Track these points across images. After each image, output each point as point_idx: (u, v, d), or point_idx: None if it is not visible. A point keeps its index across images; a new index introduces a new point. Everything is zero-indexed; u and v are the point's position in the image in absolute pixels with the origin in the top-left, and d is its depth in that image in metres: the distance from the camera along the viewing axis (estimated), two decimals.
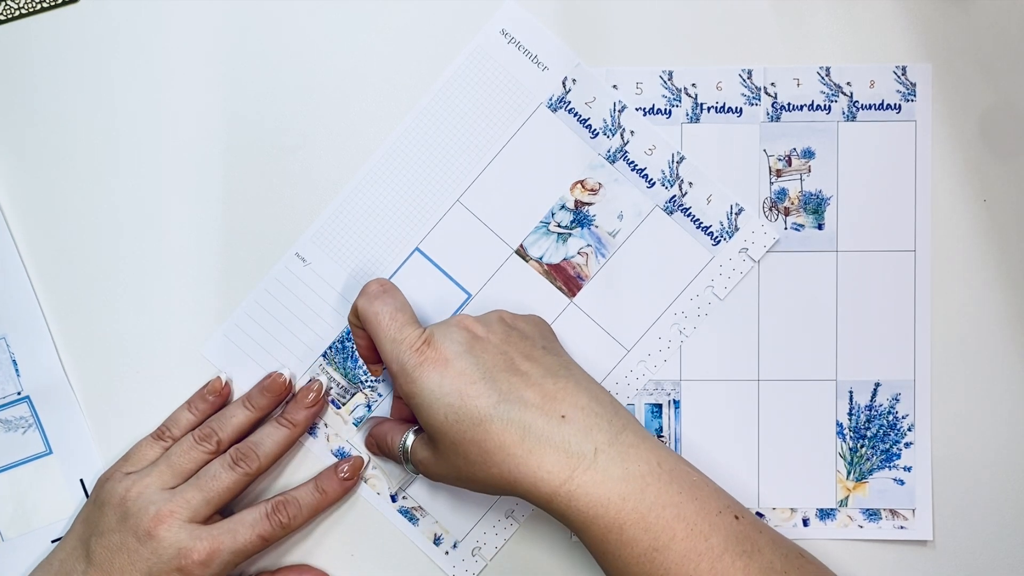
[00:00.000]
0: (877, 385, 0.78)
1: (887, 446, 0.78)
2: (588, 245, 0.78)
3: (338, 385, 0.79)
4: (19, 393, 0.79)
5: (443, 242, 0.79)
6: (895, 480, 0.78)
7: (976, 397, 0.78)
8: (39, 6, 0.78)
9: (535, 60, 0.78)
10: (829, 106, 0.78)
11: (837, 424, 0.78)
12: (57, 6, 0.78)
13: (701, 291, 0.78)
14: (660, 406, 0.79)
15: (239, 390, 0.79)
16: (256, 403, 0.78)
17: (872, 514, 0.78)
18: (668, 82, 0.78)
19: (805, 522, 0.79)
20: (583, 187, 0.78)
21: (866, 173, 0.78)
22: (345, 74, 0.79)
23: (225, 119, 0.79)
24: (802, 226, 0.78)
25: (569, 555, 0.79)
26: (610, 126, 0.78)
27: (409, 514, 0.79)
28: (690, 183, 0.78)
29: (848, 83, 0.78)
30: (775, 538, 0.70)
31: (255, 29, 0.78)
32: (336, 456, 0.79)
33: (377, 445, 0.78)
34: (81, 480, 0.79)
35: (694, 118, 0.78)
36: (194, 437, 0.76)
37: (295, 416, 0.77)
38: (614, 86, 0.78)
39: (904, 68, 0.78)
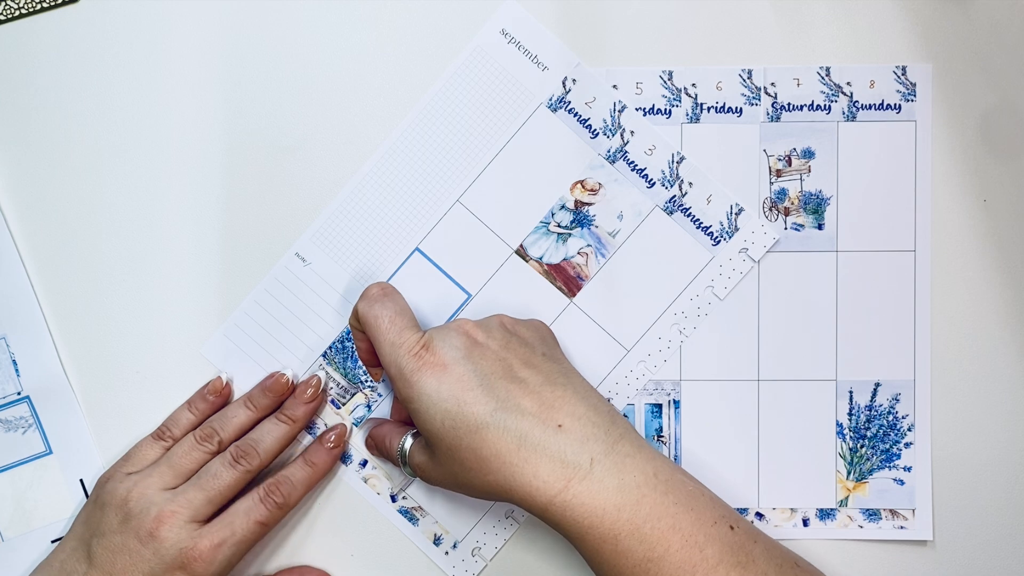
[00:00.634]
0: (877, 385, 0.78)
1: (887, 446, 0.78)
2: (588, 245, 0.78)
3: (338, 385, 0.79)
4: (19, 393, 0.79)
5: (443, 242, 0.79)
6: (895, 480, 0.78)
7: (976, 397, 0.78)
8: (39, 6, 0.78)
9: (535, 60, 0.78)
10: (829, 106, 0.78)
11: (837, 424, 0.78)
12: (57, 6, 0.78)
13: (701, 291, 0.78)
14: (660, 406, 0.79)
15: (239, 390, 0.79)
16: (257, 403, 0.78)
17: (872, 514, 0.78)
18: (668, 82, 0.78)
19: (805, 522, 0.79)
20: (583, 187, 0.78)
21: (866, 173, 0.78)
22: (345, 74, 0.79)
23: (225, 119, 0.79)
24: (802, 226, 0.78)
25: (569, 556, 0.79)
26: (610, 126, 0.78)
27: (409, 514, 0.79)
28: (690, 183, 0.78)
29: (848, 83, 0.78)
30: (770, 547, 0.70)
31: (255, 29, 0.78)
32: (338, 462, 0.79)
33: (376, 447, 0.78)
34: (81, 480, 0.79)
35: (694, 118, 0.78)
36: (195, 437, 0.76)
37: (294, 412, 0.77)
38: (614, 86, 0.78)
39: (904, 68, 0.78)
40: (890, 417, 0.78)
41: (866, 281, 0.78)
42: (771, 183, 0.78)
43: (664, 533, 0.67)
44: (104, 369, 0.79)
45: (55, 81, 0.78)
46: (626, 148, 0.78)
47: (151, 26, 0.78)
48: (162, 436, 0.78)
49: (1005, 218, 0.78)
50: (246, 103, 0.79)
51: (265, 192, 0.79)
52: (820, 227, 0.78)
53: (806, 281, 0.78)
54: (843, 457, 0.78)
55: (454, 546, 0.79)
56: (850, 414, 0.78)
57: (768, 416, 0.79)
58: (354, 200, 0.79)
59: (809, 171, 0.78)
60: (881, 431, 0.78)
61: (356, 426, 0.79)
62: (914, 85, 0.78)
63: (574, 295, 0.79)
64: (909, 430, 0.78)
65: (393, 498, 0.79)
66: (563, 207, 0.78)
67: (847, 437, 0.78)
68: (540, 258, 0.79)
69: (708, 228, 0.78)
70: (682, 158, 0.78)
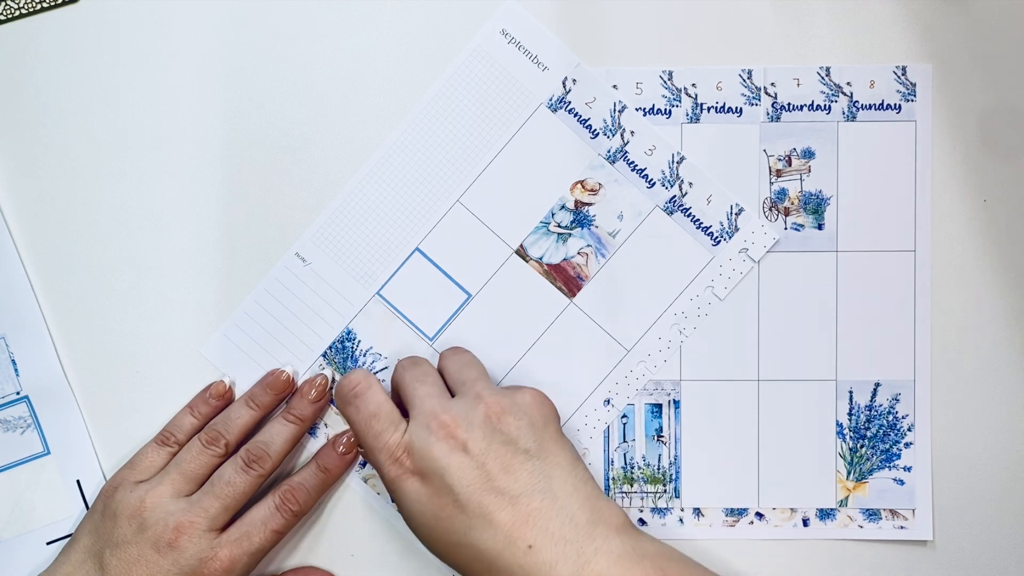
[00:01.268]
0: (877, 385, 0.78)
1: (887, 446, 0.78)
2: (588, 245, 0.78)
3: None
4: (18, 393, 0.78)
5: (443, 242, 0.79)
6: (895, 480, 0.78)
7: (976, 397, 0.78)
8: (39, 6, 0.78)
9: (535, 60, 0.78)
10: (829, 106, 0.78)
11: (837, 424, 0.78)
12: (57, 6, 0.78)
13: (701, 291, 0.78)
14: (660, 406, 0.79)
15: (240, 391, 0.79)
16: (259, 401, 0.78)
17: (872, 514, 0.78)
18: (668, 82, 0.78)
19: (805, 522, 0.79)
20: (583, 187, 0.78)
21: (866, 173, 0.78)
22: (345, 74, 0.78)
23: (225, 119, 0.78)
24: (802, 226, 0.78)
25: None
26: (610, 126, 0.78)
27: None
28: (690, 183, 0.78)
29: (848, 83, 0.78)
30: None
31: (255, 29, 0.78)
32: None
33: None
34: (78, 481, 0.79)
35: (694, 118, 0.78)
36: (201, 441, 0.76)
37: (302, 411, 0.77)
38: (614, 86, 0.78)
39: (904, 68, 0.78)
40: (890, 417, 0.78)
41: (866, 281, 0.78)
42: (771, 183, 0.78)
43: None
44: (104, 369, 0.79)
45: (55, 81, 0.78)
46: (626, 148, 0.78)
47: (151, 26, 0.78)
48: (166, 441, 0.77)
49: (1005, 218, 0.78)
50: (246, 103, 0.79)
51: (265, 192, 0.79)
52: (820, 227, 0.78)
53: (806, 281, 0.78)
54: (843, 457, 0.78)
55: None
56: (850, 414, 0.78)
57: (768, 416, 0.79)
58: (354, 200, 0.79)
59: (809, 171, 0.78)
60: (881, 431, 0.78)
61: None
62: (914, 85, 0.78)
63: (574, 295, 0.79)
64: (909, 430, 0.78)
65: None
66: (563, 207, 0.78)
67: (847, 437, 0.78)
68: (540, 258, 0.78)
69: (708, 228, 0.78)
70: (682, 158, 0.78)
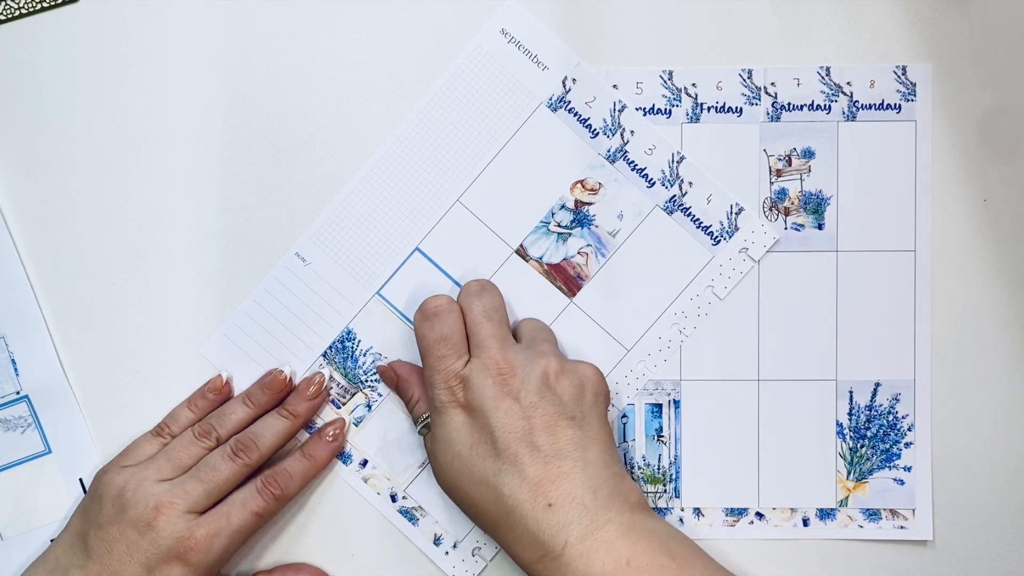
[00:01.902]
0: (877, 385, 0.78)
1: (887, 446, 0.78)
2: (588, 245, 0.78)
3: (338, 385, 0.79)
4: (18, 392, 0.79)
5: (443, 242, 0.79)
6: (895, 480, 0.78)
7: (976, 397, 0.78)
8: (39, 6, 0.78)
9: (535, 60, 0.78)
10: (829, 106, 0.78)
11: (837, 424, 0.78)
12: (57, 6, 0.78)
13: (701, 291, 0.78)
14: (660, 406, 0.79)
15: (239, 390, 0.79)
16: (256, 400, 0.78)
17: (872, 514, 0.78)
18: (668, 82, 0.78)
19: (805, 522, 0.79)
20: (583, 187, 0.78)
21: (866, 173, 0.78)
22: (345, 74, 0.79)
23: (225, 119, 0.78)
24: (802, 226, 0.78)
25: None
26: (610, 126, 0.78)
27: (409, 514, 0.79)
28: (690, 183, 0.78)
29: (848, 83, 0.78)
30: None
31: (255, 29, 0.78)
32: (336, 456, 0.79)
33: (397, 385, 0.78)
34: (80, 480, 0.79)
35: (694, 118, 0.78)
36: (194, 433, 0.76)
37: (297, 407, 0.78)
38: (614, 86, 0.78)
39: (904, 68, 0.78)
40: (890, 417, 0.78)
41: (866, 281, 0.78)
42: (771, 183, 0.78)
43: None
44: (104, 369, 0.79)
45: (55, 81, 0.78)
46: (626, 148, 0.78)
47: (151, 26, 0.78)
48: (160, 433, 0.78)
49: (1005, 218, 0.78)
50: (246, 103, 0.79)
51: (265, 192, 0.79)
52: (820, 227, 0.78)
53: (806, 281, 0.78)
54: (843, 457, 0.78)
55: (454, 546, 0.79)
56: (850, 414, 0.78)
57: (768, 416, 0.79)
58: (354, 200, 0.79)
59: (809, 171, 0.78)
60: (881, 431, 0.78)
61: (356, 425, 0.79)
62: (914, 85, 0.78)
63: (574, 295, 0.79)
64: (909, 430, 0.78)
65: (393, 498, 0.79)
66: (563, 207, 0.78)
67: (847, 437, 0.78)
68: (540, 258, 0.78)
69: (708, 228, 0.78)
70: (682, 158, 0.78)
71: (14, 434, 0.79)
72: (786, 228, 0.78)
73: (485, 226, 0.78)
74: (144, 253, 0.79)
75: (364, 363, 0.79)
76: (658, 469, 0.79)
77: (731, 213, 0.78)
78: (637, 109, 0.78)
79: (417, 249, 0.79)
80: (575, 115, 0.78)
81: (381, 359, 0.79)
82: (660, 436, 0.79)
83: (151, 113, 0.78)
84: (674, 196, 0.78)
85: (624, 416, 0.79)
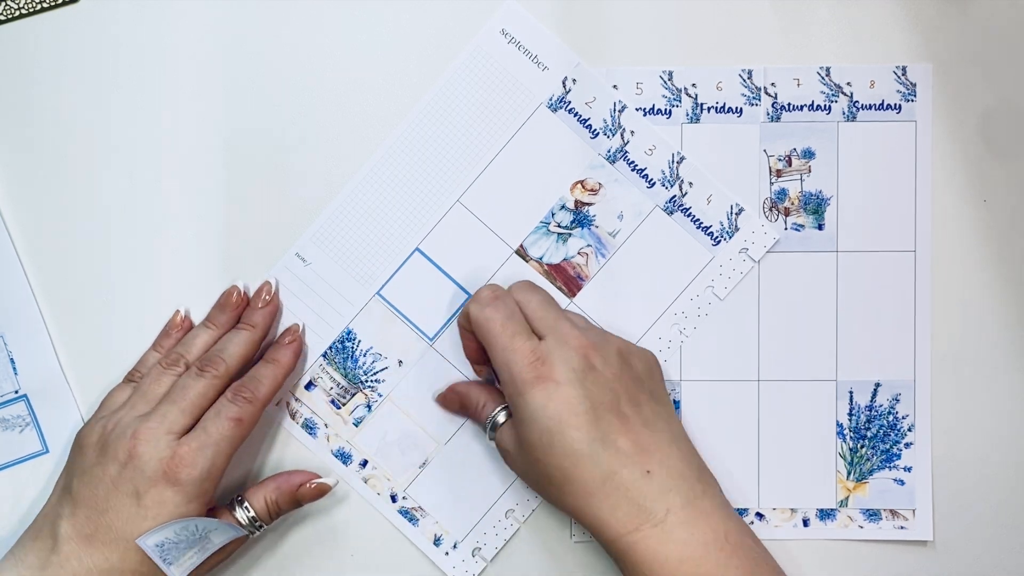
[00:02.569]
0: (877, 385, 0.78)
1: (887, 446, 0.78)
2: (588, 245, 0.78)
3: (338, 385, 0.79)
4: (16, 392, 0.78)
5: (443, 242, 0.79)
6: (895, 480, 0.78)
7: (976, 397, 0.78)
8: (39, 6, 0.78)
9: (535, 60, 0.78)
10: (829, 106, 0.78)
11: (837, 424, 0.78)
12: (57, 6, 0.78)
13: (701, 291, 0.78)
14: None
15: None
16: (216, 321, 0.78)
17: (872, 514, 0.78)
18: (668, 82, 0.78)
19: (805, 522, 0.79)
20: (583, 187, 0.78)
21: (866, 173, 0.78)
22: (345, 74, 0.78)
23: (225, 119, 0.78)
24: (802, 226, 0.78)
25: (569, 556, 0.79)
26: (610, 126, 0.78)
27: (409, 514, 0.79)
28: (690, 183, 0.78)
29: (848, 83, 0.78)
30: None
31: (255, 29, 0.78)
32: (336, 456, 0.79)
33: (461, 403, 0.78)
34: None
35: (694, 118, 0.78)
36: (161, 364, 0.76)
37: (252, 318, 0.78)
38: (614, 86, 0.78)
39: (904, 68, 0.78)
40: (890, 417, 0.78)
41: (866, 281, 0.78)
42: (771, 183, 0.78)
43: None
44: (102, 369, 0.79)
45: (55, 81, 0.78)
46: (626, 148, 0.78)
47: (151, 26, 0.78)
48: (132, 378, 0.78)
49: (1005, 218, 0.78)
50: (246, 103, 0.78)
51: (265, 192, 0.79)
52: (820, 227, 0.78)
53: (806, 281, 0.78)
54: (843, 457, 0.78)
55: (454, 546, 0.79)
56: (850, 414, 0.78)
57: (768, 416, 0.79)
58: (354, 200, 0.79)
59: (809, 171, 0.78)
60: (881, 431, 0.78)
61: (356, 426, 0.79)
62: (914, 85, 0.78)
63: (574, 295, 0.78)
64: (909, 430, 0.78)
65: (393, 498, 0.79)
66: (563, 207, 0.78)
67: (847, 437, 0.78)
68: (540, 258, 0.78)
69: (708, 228, 0.78)
70: (682, 158, 0.78)
71: (12, 433, 0.78)
72: (786, 228, 0.78)
73: (485, 226, 0.78)
74: (143, 253, 0.79)
75: (364, 363, 0.79)
76: None
77: (731, 213, 0.78)
78: (637, 109, 0.78)
79: (417, 249, 0.79)
80: (575, 115, 0.78)
81: (381, 359, 0.79)
82: None
83: (151, 113, 0.78)
84: (674, 196, 0.78)
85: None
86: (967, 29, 0.78)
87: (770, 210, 0.78)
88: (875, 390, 0.78)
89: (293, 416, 0.80)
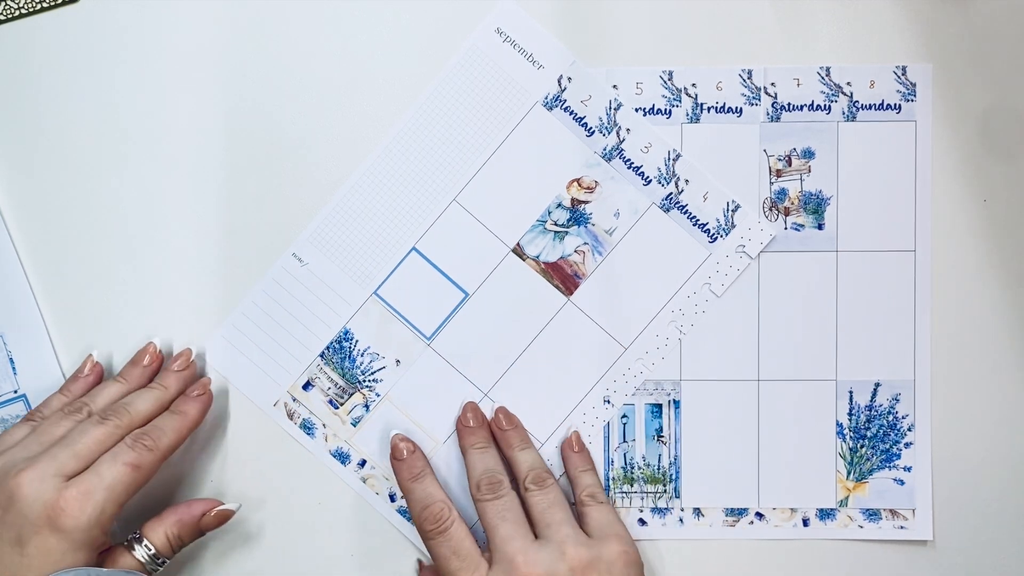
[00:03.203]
0: (877, 385, 0.78)
1: (887, 446, 0.78)
2: (585, 243, 0.78)
3: (336, 385, 0.79)
4: (15, 392, 0.79)
5: (440, 241, 0.79)
6: (895, 480, 0.78)
7: (976, 397, 0.78)
8: (39, 6, 0.78)
9: (530, 59, 0.78)
10: (829, 106, 0.78)
11: (837, 424, 0.78)
12: (57, 6, 0.78)
13: (698, 288, 0.78)
14: (660, 406, 0.79)
15: (235, 391, 0.79)
16: (127, 375, 0.76)
17: (872, 514, 0.78)
18: (668, 82, 0.78)
19: (805, 522, 0.78)
20: (579, 185, 0.78)
21: (866, 173, 0.78)
22: (343, 74, 0.79)
23: (223, 119, 0.79)
24: (802, 226, 0.78)
25: None
26: (606, 124, 0.78)
27: (408, 514, 0.79)
28: (686, 180, 0.78)
29: (848, 83, 0.78)
30: None
31: (254, 29, 0.79)
32: (334, 456, 0.79)
33: None
34: None
35: (694, 118, 0.78)
36: (63, 409, 0.73)
37: (166, 379, 0.76)
38: (614, 86, 0.78)
39: (904, 68, 0.78)
40: (890, 417, 0.78)
41: (866, 281, 0.78)
42: (771, 183, 0.78)
43: None
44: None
45: (55, 81, 0.79)
46: (622, 146, 0.78)
47: (151, 26, 0.78)
48: (31, 417, 0.74)
49: (1005, 218, 0.78)
50: (244, 103, 0.79)
51: (263, 193, 0.79)
52: (820, 227, 0.78)
53: (806, 281, 0.78)
54: (843, 457, 0.78)
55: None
56: (850, 414, 0.78)
57: (768, 416, 0.78)
58: (351, 201, 0.79)
59: (809, 171, 0.78)
60: (881, 431, 0.78)
61: (354, 426, 0.79)
62: (914, 85, 0.78)
63: (571, 293, 0.78)
64: (909, 430, 0.78)
65: (392, 498, 0.79)
66: (559, 205, 0.78)
67: (847, 437, 0.78)
68: (537, 256, 0.78)
69: (705, 225, 0.78)
70: (678, 155, 0.78)
71: None
72: (786, 228, 0.78)
73: (482, 225, 0.78)
74: (143, 253, 0.79)
75: (362, 363, 0.79)
76: (658, 469, 0.79)
77: (727, 211, 0.78)
78: (637, 109, 0.78)
79: (414, 249, 0.79)
80: (571, 113, 0.78)
81: (379, 358, 0.79)
82: (660, 436, 0.79)
83: (150, 113, 0.79)
84: (670, 194, 0.78)
85: (624, 416, 0.79)
86: (967, 29, 0.78)
87: (770, 210, 0.78)
88: (875, 390, 0.78)
89: (291, 416, 0.80)
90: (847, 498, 0.78)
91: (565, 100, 0.78)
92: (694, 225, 0.78)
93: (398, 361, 0.80)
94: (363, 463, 0.80)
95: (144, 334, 0.79)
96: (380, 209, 0.79)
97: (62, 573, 0.65)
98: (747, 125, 0.78)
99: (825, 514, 0.78)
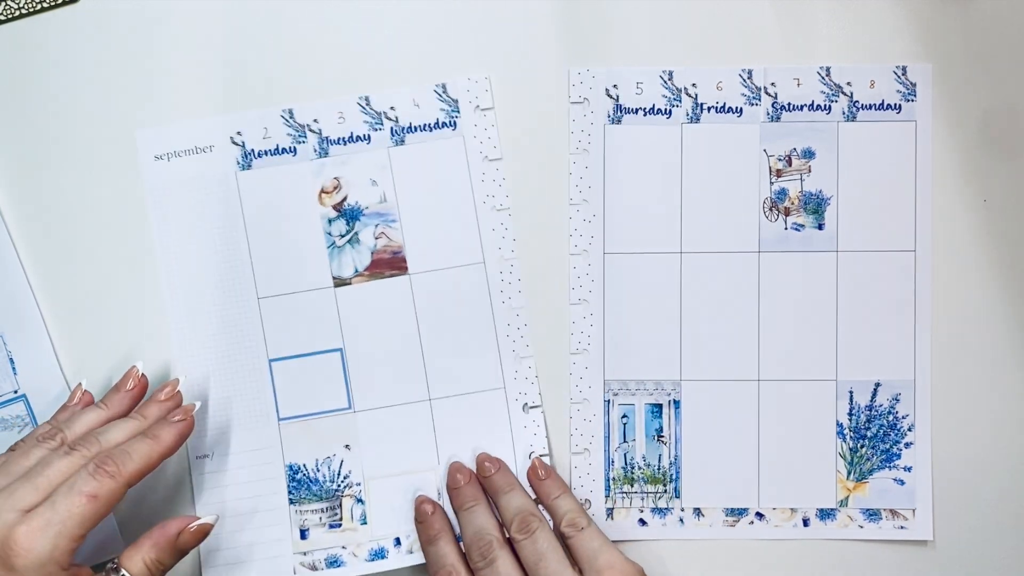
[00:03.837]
0: (877, 385, 0.78)
1: (887, 446, 0.78)
2: (376, 225, 0.78)
3: (322, 510, 0.79)
4: (15, 391, 0.78)
5: (281, 338, 0.79)
6: (895, 480, 0.78)
7: (976, 397, 0.78)
8: (39, 6, 0.78)
9: (201, 150, 0.79)
10: (829, 106, 0.78)
11: (837, 424, 0.78)
12: (57, 6, 0.78)
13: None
14: (660, 406, 0.79)
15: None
16: (109, 401, 0.73)
17: (872, 514, 0.78)
18: (668, 82, 0.78)
19: (805, 522, 0.78)
20: (325, 192, 0.78)
21: (866, 173, 0.78)
22: (342, 73, 0.79)
23: (223, 119, 0.78)
24: (802, 226, 0.78)
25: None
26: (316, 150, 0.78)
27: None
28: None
29: (848, 83, 0.78)
30: None
31: (254, 29, 0.78)
32: (373, 559, 0.79)
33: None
34: None
35: (694, 118, 0.78)
36: (38, 437, 0.69)
37: (148, 410, 0.73)
38: (614, 86, 0.78)
39: (904, 68, 0.78)
40: (890, 417, 0.78)
41: (866, 281, 0.78)
42: (771, 183, 0.78)
43: None
44: (101, 369, 0.79)
45: (55, 81, 0.78)
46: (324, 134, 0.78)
47: (151, 26, 0.78)
48: (13, 447, 0.71)
49: (1005, 218, 0.78)
50: (244, 105, 0.79)
51: None
52: (820, 227, 0.78)
53: (806, 281, 0.78)
54: (843, 457, 0.78)
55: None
56: (850, 414, 0.78)
57: (768, 416, 0.78)
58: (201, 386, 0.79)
59: (809, 171, 0.78)
60: (881, 431, 0.78)
61: (364, 524, 0.79)
62: (914, 85, 0.78)
63: (406, 270, 0.78)
64: (909, 430, 0.78)
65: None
66: (330, 220, 0.78)
67: (847, 437, 0.78)
68: (357, 271, 0.78)
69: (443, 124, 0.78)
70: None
71: (11, 433, 0.78)
72: (786, 228, 0.78)
73: (292, 294, 0.79)
74: (143, 253, 0.79)
75: (324, 475, 0.79)
76: (658, 469, 0.79)
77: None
78: (637, 109, 0.78)
79: (270, 361, 0.79)
80: (280, 153, 0.79)
81: (332, 459, 0.79)
82: (660, 436, 0.79)
83: (150, 113, 0.78)
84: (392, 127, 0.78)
85: (624, 416, 0.79)
86: (967, 29, 0.78)
87: (770, 210, 0.78)
88: (875, 390, 0.78)
89: (315, 568, 0.79)
90: (847, 498, 0.78)
91: (254, 150, 0.78)
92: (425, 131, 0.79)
93: (347, 446, 0.79)
94: (398, 541, 0.79)
95: (144, 334, 0.79)
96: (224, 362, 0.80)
97: None
98: (747, 125, 0.78)
99: (825, 514, 0.78)
